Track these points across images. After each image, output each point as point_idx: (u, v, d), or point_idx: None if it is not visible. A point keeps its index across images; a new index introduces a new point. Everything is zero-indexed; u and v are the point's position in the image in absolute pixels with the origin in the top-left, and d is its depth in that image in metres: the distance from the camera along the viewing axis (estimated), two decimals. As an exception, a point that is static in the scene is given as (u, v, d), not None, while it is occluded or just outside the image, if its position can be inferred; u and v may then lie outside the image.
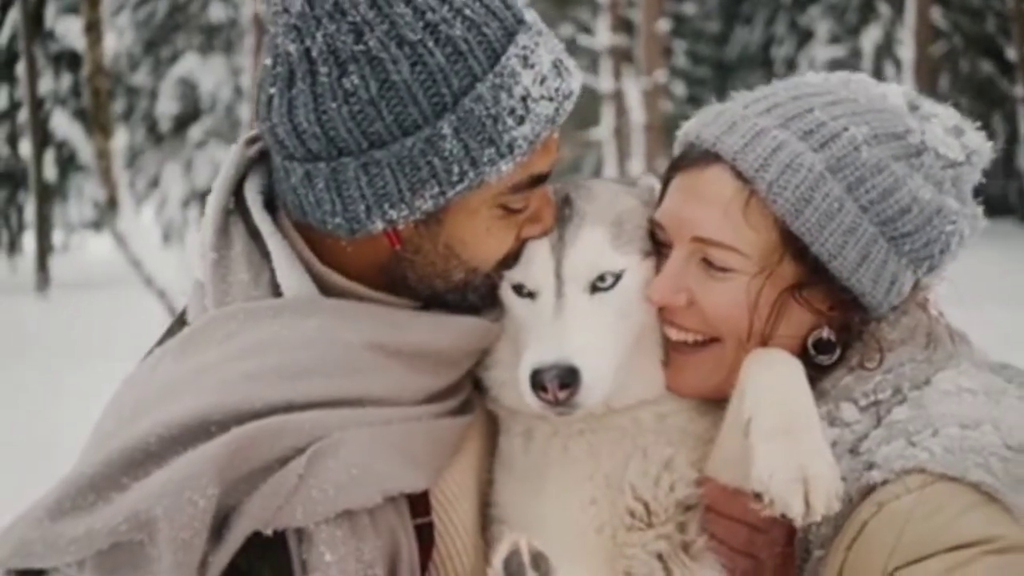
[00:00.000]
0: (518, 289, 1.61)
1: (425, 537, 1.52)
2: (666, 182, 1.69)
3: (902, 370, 1.55)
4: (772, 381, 1.47)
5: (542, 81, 1.48)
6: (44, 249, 21.95)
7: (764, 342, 1.59)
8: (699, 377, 1.63)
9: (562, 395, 1.50)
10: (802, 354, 1.59)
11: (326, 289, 1.54)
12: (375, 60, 1.42)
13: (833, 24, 22.41)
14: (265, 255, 1.55)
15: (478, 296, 1.61)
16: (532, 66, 1.48)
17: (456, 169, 1.45)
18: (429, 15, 1.43)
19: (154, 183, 28.27)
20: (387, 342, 1.50)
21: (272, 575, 1.39)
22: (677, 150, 1.70)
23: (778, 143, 1.55)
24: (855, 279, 1.56)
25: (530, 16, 1.53)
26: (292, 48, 1.45)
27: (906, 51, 15.72)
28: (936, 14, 18.18)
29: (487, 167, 1.46)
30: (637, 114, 17.42)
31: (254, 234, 1.56)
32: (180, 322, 1.59)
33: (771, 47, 24.12)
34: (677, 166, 1.67)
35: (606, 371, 1.54)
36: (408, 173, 1.45)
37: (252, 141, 1.63)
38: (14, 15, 21.14)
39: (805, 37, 23.16)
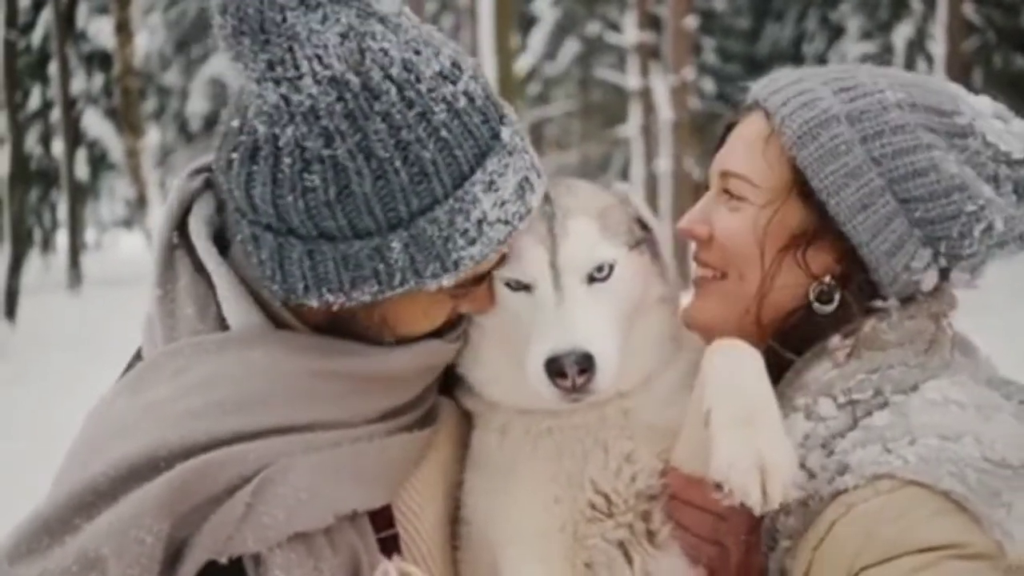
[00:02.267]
0: (509, 284, 1.61)
1: (390, 549, 1.53)
2: (722, 139, 1.76)
3: (889, 372, 1.55)
4: (732, 372, 1.49)
5: (501, 205, 1.48)
6: (76, 247, 22.21)
7: (764, 286, 1.63)
8: (709, 310, 1.70)
9: (580, 380, 1.51)
10: (805, 308, 1.62)
11: (279, 324, 1.55)
12: (340, 167, 1.40)
13: (864, 20, 22.20)
14: (211, 288, 1.55)
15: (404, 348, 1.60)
16: (496, 190, 1.47)
17: (399, 277, 1.46)
18: (404, 133, 1.41)
19: (185, 181, 28.49)
20: (335, 369, 1.51)
21: None
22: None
23: (805, 89, 1.63)
24: (851, 224, 1.57)
25: (507, 133, 1.50)
26: (261, 129, 1.42)
27: (938, 47, 15.55)
28: (969, 9, 17.96)
29: (429, 279, 1.47)
30: (665, 111, 17.36)
31: (199, 268, 1.56)
32: (138, 356, 1.60)
33: (802, 43, 23.93)
34: (734, 122, 1.75)
35: (615, 357, 1.56)
36: (351, 269, 1.45)
37: (196, 172, 1.63)
38: (47, 15, 21.38)
39: (836, 33, 22.96)
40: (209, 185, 1.61)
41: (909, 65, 20.79)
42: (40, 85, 23.34)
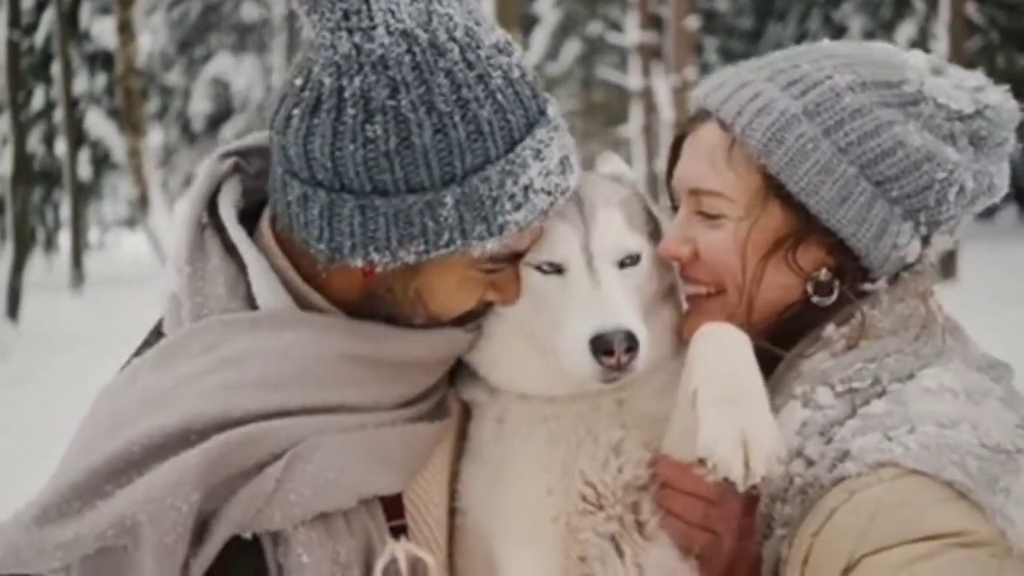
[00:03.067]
0: (540, 268, 1.63)
1: (399, 539, 1.54)
2: (676, 150, 1.75)
3: (885, 361, 1.55)
4: (719, 353, 1.51)
5: (546, 175, 1.53)
6: (79, 247, 22.24)
7: (754, 290, 1.63)
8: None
9: (625, 358, 1.53)
10: (802, 304, 1.63)
11: (304, 306, 1.58)
12: (402, 118, 1.45)
13: (867, 20, 22.20)
14: (241, 269, 1.58)
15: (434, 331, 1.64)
16: (542, 159, 1.53)
17: (446, 236, 1.49)
18: (464, 91, 1.47)
19: (187, 182, 28.54)
20: (362, 354, 1.54)
21: None
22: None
23: (756, 92, 1.61)
24: (835, 219, 1.58)
25: (552, 110, 1.58)
26: (327, 81, 1.47)
27: (940, 46, 15.53)
28: (971, 8, 17.96)
29: (475, 241, 1.50)
30: (666, 112, 17.37)
31: (229, 248, 1.60)
32: (156, 334, 1.61)
33: (804, 43, 23.92)
34: (685, 132, 1.73)
35: (647, 338, 1.58)
36: (401, 226, 1.49)
37: (225, 155, 1.66)
38: (50, 16, 21.41)
39: (839, 33, 22.94)
40: (237, 169, 1.66)
41: (911, 65, 20.78)
42: (43, 85, 23.37)
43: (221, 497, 1.39)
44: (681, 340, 1.69)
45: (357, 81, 1.45)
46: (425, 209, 1.48)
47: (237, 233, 1.59)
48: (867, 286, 1.61)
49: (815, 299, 1.62)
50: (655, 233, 1.72)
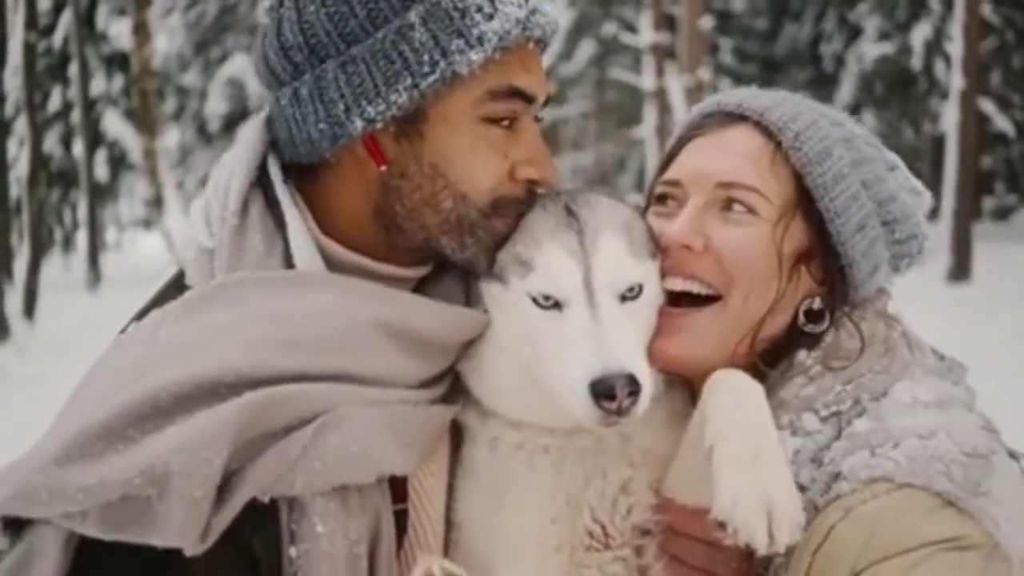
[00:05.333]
0: (537, 301, 1.58)
1: (400, 524, 1.54)
2: (675, 151, 1.75)
3: (861, 381, 1.58)
4: (735, 406, 1.46)
5: None
6: (95, 247, 22.35)
7: (775, 305, 1.63)
8: (690, 341, 1.62)
9: (627, 403, 1.47)
10: (792, 325, 1.65)
11: (329, 262, 1.58)
12: None
13: (882, 20, 22.10)
14: (279, 226, 1.58)
15: (477, 244, 1.59)
16: None
17: (427, 58, 1.50)
18: None
19: (203, 182, 28.59)
20: (391, 322, 1.53)
21: (261, 544, 1.40)
22: (684, 130, 1.77)
23: (798, 110, 1.68)
24: (850, 245, 1.63)
25: None
26: None
27: (956, 47, 15.45)
28: (987, 9, 17.85)
29: (456, 56, 1.50)
30: (680, 112, 17.32)
31: (270, 204, 1.60)
32: (176, 288, 1.59)
33: (820, 44, 23.85)
34: (691, 135, 1.74)
35: (651, 376, 1.52)
36: (382, 66, 1.51)
37: (270, 121, 1.67)
38: (67, 18, 21.55)
39: (854, 33, 22.86)
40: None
41: (927, 65, 20.69)
42: (60, 87, 23.54)
43: (245, 457, 1.36)
44: (665, 366, 1.62)
45: None
46: (397, 38, 1.50)
47: (283, 191, 1.60)
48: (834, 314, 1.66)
49: (807, 326, 1.64)
50: (655, 254, 1.66)
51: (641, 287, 1.60)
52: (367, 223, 1.60)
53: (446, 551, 1.63)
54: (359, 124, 1.53)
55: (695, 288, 1.65)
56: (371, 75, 1.51)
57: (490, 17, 1.51)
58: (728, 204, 1.65)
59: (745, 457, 1.40)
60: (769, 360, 1.65)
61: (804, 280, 1.65)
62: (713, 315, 1.63)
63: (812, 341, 1.64)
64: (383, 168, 1.56)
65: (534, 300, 1.58)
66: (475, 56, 1.50)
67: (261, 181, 1.62)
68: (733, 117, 1.69)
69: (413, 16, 1.50)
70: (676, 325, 1.64)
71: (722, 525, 1.37)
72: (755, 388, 1.50)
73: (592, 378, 1.47)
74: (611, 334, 1.52)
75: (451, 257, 1.60)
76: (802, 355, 1.62)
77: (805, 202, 1.63)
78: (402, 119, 1.53)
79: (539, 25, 1.57)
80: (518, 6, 1.54)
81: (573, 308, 1.55)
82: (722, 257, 1.63)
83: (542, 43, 1.62)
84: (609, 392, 1.46)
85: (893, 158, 1.74)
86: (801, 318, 1.65)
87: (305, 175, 1.63)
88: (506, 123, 1.57)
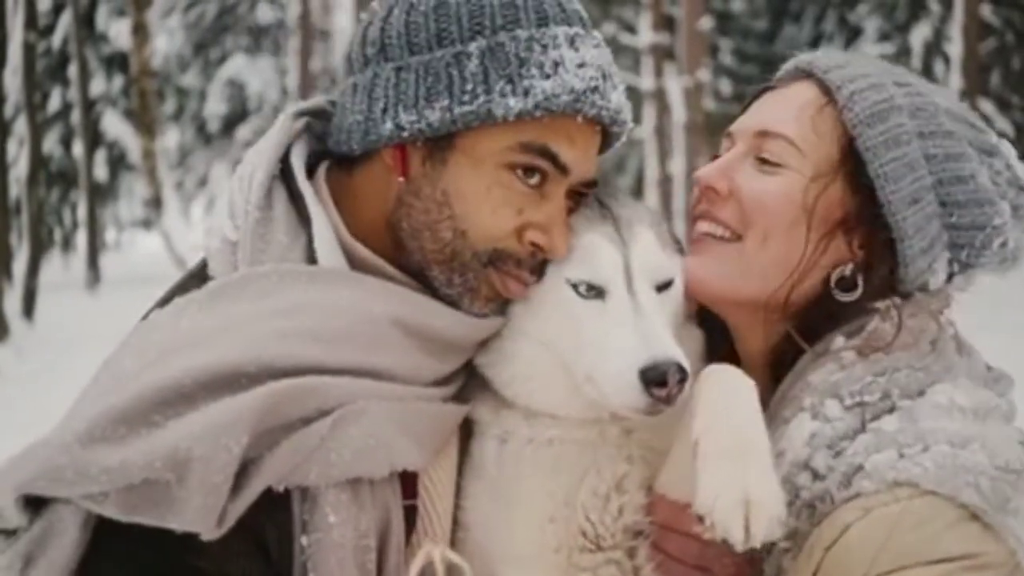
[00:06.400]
0: (577, 288, 1.59)
1: (409, 519, 1.56)
2: (745, 108, 1.75)
3: (896, 376, 1.53)
4: (723, 401, 1.45)
5: (581, 66, 1.55)
6: (95, 247, 22.35)
7: (806, 267, 1.59)
8: (712, 269, 1.65)
9: (676, 390, 1.49)
10: (823, 297, 1.61)
11: (352, 261, 1.61)
12: None
13: (882, 21, 22.09)
14: (303, 221, 1.61)
15: (463, 285, 1.60)
16: (577, 50, 1.56)
17: (470, 88, 1.53)
18: None
19: (202, 182, 28.66)
20: (409, 321, 1.55)
21: (274, 532, 1.43)
22: (758, 89, 1.76)
23: (868, 71, 1.63)
24: (900, 216, 1.56)
25: (597, 34, 1.63)
26: None
27: (955, 48, 15.45)
28: (986, 10, 17.86)
29: (498, 97, 1.52)
30: (679, 113, 17.34)
31: (293, 198, 1.63)
32: (198, 278, 1.62)
33: (820, 44, 23.82)
34: (761, 91, 1.73)
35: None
36: (429, 81, 1.55)
37: (300, 114, 1.72)
38: (66, 18, 21.54)
39: (854, 34, 22.85)
40: (308, 129, 1.71)
41: (927, 66, 20.68)
42: (60, 87, 23.51)
43: (264, 446, 1.39)
44: (687, 286, 1.65)
45: None
46: (452, 61, 1.54)
47: (306, 187, 1.63)
48: (878, 303, 1.58)
49: (836, 293, 1.60)
50: (681, 251, 1.69)
51: (672, 281, 1.62)
52: (382, 230, 1.62)
53: (453, 550, 1.62)
54: (389, 127, 1.56)
55: (713, 230, 1.66)
56: (416, 86, 1.55)
57: (547, 77, 1.53)
58: (761, 152, 1.64)
59: (728, 452, 1.40)
60: (808, 337, 1.61)
61: (838, 247, 1.60)
62: (731, 252, 1.64)
63: (848, 327, 1.58)
64: (401, 180, 1.59)
65: (574, 287, 1.59)
66: (514, 104, 1.52)
67: (286, 175, 1.65)
68: (800, 74, 1.68)
69: (474, 47, 1.54)
70: (703, 252, 1.67)
71: (701, 519, 1.37)
72: (746, 384, 1.49)
73: (643, 365, 1.49)
74: (656, 323, 1.54)
75: (439, 290, 1.61)
76: (839, 341, 1.58)
77: (854, 166, 1.58)
78: (433, 139, 1.56)
79: (596, 105, 1.56)
80: (581, 79, 1.55)
81: (614, 295, 1.57)
82: (742, 200, 1.63)
83: (601, 126, 1.62)
84: (661, 379, 1.48)
85: (994, 143, 1.65)
86: (832, 284, 1.61)
87: (345, 169, 1.66)
88: (534, 181, 1.57)
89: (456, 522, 1.65)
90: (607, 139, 1.66)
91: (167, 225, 12.86)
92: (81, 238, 24.51)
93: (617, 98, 1.60)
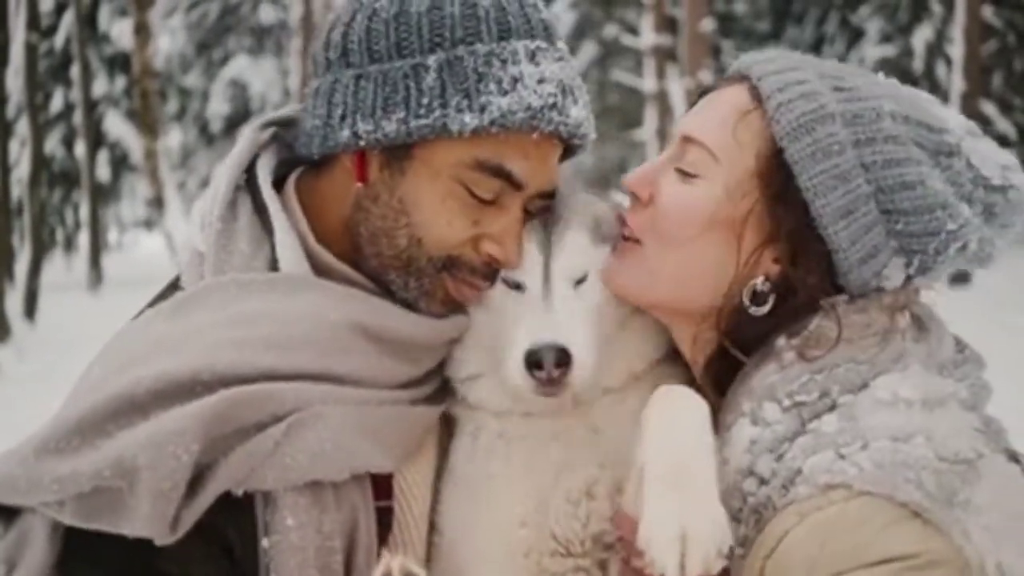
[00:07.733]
0: (507, 282, 1.66)
1: (385, 521, 1.57)
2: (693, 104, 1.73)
3: (835, 372, 1.50)
4: (671, 426, 1.43)
5: (541, 81, 1.55)
6: (97, 247, 22.37)
7: (739, 278, 1.56)
8: (622, 271, 1.65)
9: (556, 373, 1.54)
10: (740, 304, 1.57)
11: (317, 268, 1.62)
12: None
13: (884, 23, 22.09)
14: (267, 231, 1.62)
15: (419, 288, 1.62)
16: (538, 65, 1.56)
17: (426, 101, 1.54)
18: None
19: (205, 183, 28.65)
20: (370, 325, 1.56)
21: (236, 535, 1.46)
22: (705, 88, 1.74)
23: (804, 79, 1.56)
24: (832, 230, 1.52)
25: (562, 45, 1.62)
26: None
27: (957, 49, 15.46)
28: (988, 12, 17.86)
29: (453, 112, 1.53)
30: (680, 114, 17.33)
31: (259, 210, 1.64)
32: (172, 287, 1.65)
33: (822, 46, 23.83)
34: (706, 91, 1.70)
35: (593, 353, 1.59)
36: (386, 92, 1.55)
37: (267, 125, 1.73)
38: (69, 18, 21.56)
39: (856, 36, 22.86)
40: (275, 139, 1.73)
41: (929, 67, 20.69)
42: (62, 88, 23.56)
43: (219, 451, 1.41)
44: (606, 285, 1.67)
45: None
46: (410, 72, 1.55)
47: (270, 196, 1.64)
48: (824, 301, 1.54)
49: (750, 307, 1.56)
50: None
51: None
52: (343, 234, 1.64)
53: (429, 553, 1.65)
54: (347, 134, 1.58)
55: (624, 232, 1.67)
56: (374, 95, 1.56)
57: (504, 93, 1.53)
58: (681, 162, 1.61)
59: (670, 482, 1.37)
60: (750, 347, 1.57)
61: (763, 259, 1.56)
62: (636, 256, 1.64)
63: (790, 327, 1.54)
64: (360, 185, 1.61)
65: (504, 281, 1.65)
66: (470, 120, 1.53)
67: (253, 185, 1.66)
68: (737, 77, 1.64)
69: (433, 60, 1.55)
70: (614, 250, 1.68)
71: (641, 553, 1.34)
72: (696, 406, 1.45)
73: (526, 349, 1.57)
74: (555, 312, 1.60)
75: (396, 293, 1.63)
76: (780, 342, 1.54)
77: (785, 178, 1.53)
78: (390, 148, 1.58)
79: (553, 121, 1.57)
80: (539, 95, 1.55)
81: (530, 291, 1.64)
82: (654, 209, 1.62)
83: (563, 141, 1.62)
84: (538, 361, 1.55)
85: (953, 143, 1.56)
86: (745, 299, 1.56)
87: (313, 173, 1.68)
88: (489, 197, 1.59)
89: (433, 526, 1.66)
90: (570, 148, 1.67)
91: (169, 226, 12.88)
92: (83, 239, 24.55)
93: (577, 112, 1.60)
